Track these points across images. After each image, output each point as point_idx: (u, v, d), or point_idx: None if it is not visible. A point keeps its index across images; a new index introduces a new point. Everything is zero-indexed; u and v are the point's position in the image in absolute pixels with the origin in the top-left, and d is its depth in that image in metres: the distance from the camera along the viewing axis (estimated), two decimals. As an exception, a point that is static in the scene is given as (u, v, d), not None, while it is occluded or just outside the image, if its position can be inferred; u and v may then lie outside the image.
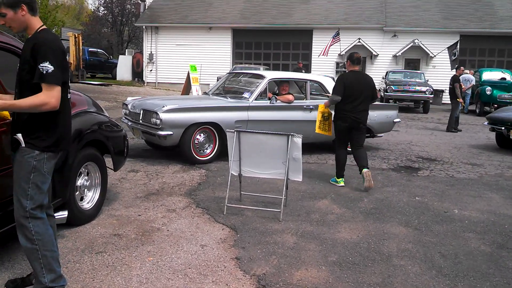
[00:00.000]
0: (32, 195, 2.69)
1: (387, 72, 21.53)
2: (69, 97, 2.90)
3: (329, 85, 8.65)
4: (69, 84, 2.90)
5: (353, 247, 4.14)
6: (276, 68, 25.76)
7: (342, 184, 6.32)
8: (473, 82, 18.06)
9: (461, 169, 7.74)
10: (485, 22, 24.60)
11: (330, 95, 6.43)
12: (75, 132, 4.11)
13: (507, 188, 6.56)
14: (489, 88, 17.94)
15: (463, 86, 15.98)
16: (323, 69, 23.85)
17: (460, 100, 13.26)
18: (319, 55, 23.69)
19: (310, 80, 8.64)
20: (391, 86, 19.00)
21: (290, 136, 4.84)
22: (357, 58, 6.39)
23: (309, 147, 8.24)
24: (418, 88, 18.81)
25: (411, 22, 25.02)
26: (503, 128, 9.53)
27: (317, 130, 6.67)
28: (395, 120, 9.23)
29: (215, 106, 7.40)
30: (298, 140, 4.86)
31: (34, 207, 2.70)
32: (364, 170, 6.05)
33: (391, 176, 7.00)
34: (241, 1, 28.37)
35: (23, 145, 2.69)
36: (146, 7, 30.11)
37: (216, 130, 7.21)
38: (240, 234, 4.31)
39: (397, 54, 24.48)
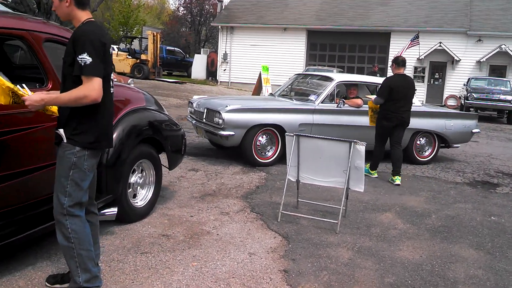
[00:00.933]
0: (71, 192, 2.63)
1: (469, 79, 20.27)
2: (111, 91, 2.82)
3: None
4: (112, 78, 2.82)
5: (414, 268, 3.77)
6: (350, 71, 25.12)
7: (376, 175, 6.83)
8: None
9: (547, 188, 7.00)
10: None
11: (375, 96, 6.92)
12: (130, 128, 4.10)
13: None
14: None
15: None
16: (400, 74, 22.91)
17: None
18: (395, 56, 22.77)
19: (382, 84, 8.20)
20: (472, 94, 17.84)
21: (352, 143, 4.54)
22: (402, 61, 6.75)
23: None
24: (502, 96, 17.51)
25: (499, 26, 23.42)
26: None
27: (370, 124, 7.06)
28: (473, 130, 8.55)
29: (279, 108, 7.19)
30: (361, 148, 4.54)
31: (72, 204, 2.64)
32: (397, 180, 6.52)
33: (465, 191, 6.45)
34: (318, 2, 28.00)
35: (65, 140, 2.63)
36: (223, 7, 30.54)
37: (279, 133, 7.01)
38: (292, 244, 4.07)
39: (481, 60, 23.00)
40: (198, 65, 29.79)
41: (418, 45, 22.21)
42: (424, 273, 3.70)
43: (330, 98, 7.64)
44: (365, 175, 6.43)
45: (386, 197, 5.87)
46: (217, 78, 28.31)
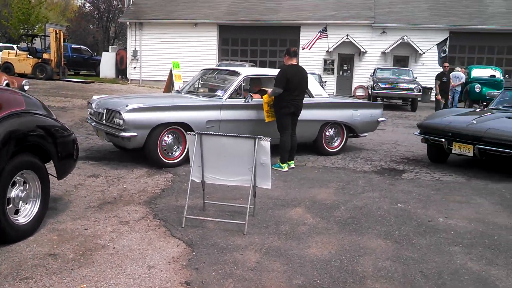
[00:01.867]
0: None
1: (375, 69, 21.09)
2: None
3: (313, 82, 8.16)
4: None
5: (323, 266, 3.65)
6: (263, 65, 25.25)
7: (286, 169, 6.79)
8: (463, 80, 17.74)
9: (447, 171, 7.28)
10: (475, 19, 24.23)
11: (273, 87, 6.87)
12: (5, 135, 3.60)
13: (496, 193, 6.10)
14: (478, 85, 17.66)
15: (452, 83, 15.82)
16: (311, 66, 23.27)
17: (438, 97, 14.64)
18: (303, 48, 23.19)
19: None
20: (379, 84, 18.59)
21: (257, 139, 4.35)
22: (293, 52, 6.89)
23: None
24: (406, 85, 18.42)
25: (400, 19, 24.60)
26: (443, 139, 7.20)
27: (267, 120, 7.01)
28: (379, 119, 8.76)
29: (184, 105, 6.87)
30: (266, 144, 4.36)
31: None
32: (292, 163, 6.99)
33: (373, 180, 6.52)
34: (228, -3, 27.85)
35: None
36: (131, 3, 29.44)
37: (185, 131, 6.68)
38: (197, 251, 3.80)
39: (386, 51, 24.06)
40: (107, 63, 28.53)
41: (326, 38, 22.76)
42: (333, 270, 3.59)
43: (238, 93, 7.44)
44: (276, 169, 6.47)
45: (296, 191, 5.77)
46: (128, 76, 27.27)
